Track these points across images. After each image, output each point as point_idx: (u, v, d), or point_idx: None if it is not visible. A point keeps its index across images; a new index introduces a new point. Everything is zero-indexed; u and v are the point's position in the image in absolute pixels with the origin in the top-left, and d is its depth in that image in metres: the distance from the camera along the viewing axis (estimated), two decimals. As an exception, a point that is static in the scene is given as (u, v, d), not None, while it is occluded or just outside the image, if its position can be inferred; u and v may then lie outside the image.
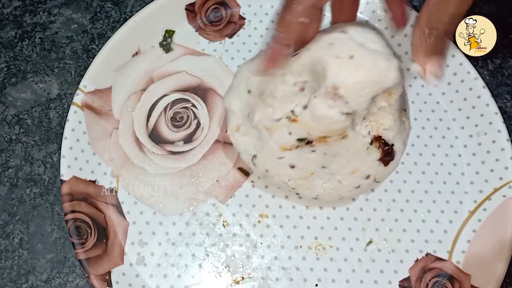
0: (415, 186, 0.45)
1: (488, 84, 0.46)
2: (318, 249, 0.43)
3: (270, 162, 0.39)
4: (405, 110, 0.40)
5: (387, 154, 0.39)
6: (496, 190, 0.43)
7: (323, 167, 0.39)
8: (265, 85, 0.38)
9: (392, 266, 0.42)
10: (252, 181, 0.45)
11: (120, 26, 0.48)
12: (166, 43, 0.49)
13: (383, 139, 0.38)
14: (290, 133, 0.37)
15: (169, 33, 0.50)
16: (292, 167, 0.38)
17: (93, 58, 0.47)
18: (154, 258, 0.42)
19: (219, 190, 0.44)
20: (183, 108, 0.47)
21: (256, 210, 0.44)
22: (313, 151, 0.37)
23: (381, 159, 0.39)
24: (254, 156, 0.40)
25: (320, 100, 0.35)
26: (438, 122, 0.47)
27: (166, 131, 0.47)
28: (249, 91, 0.39)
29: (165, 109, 0.47)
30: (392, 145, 0.39)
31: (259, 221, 0.43)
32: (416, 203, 0.44)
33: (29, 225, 0.44)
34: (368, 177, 0.39)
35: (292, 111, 0.37)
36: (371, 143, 0.38)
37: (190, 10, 0.50)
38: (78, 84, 0.46)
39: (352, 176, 0.39)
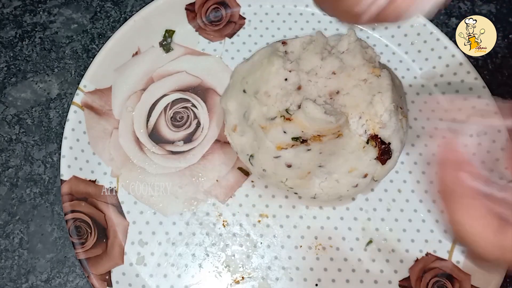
0: (415, 186, 0.45)
1: (488, 84, 0.46)
2: (318, 249, 0.43)
3: (267, 161, 0.39)
4: (401, 108, 0.40)
5: (384, 152, 0.39)
6: (496, 190, 0.43)
7: (320, 166, 0.39)
8: (259, 84, 0.38)
9: (392, 266, 0.42)
10: (252, 181, 0.45)
11: (120, 26, 0.48)
12: (166, 43, 0.49)
13: (380, 138, 0.38)
14: (285, 132, 0.37)
15: (169, 33, 0.50)
16: (289, 166, 0.38)
17: (93, 58, 0.47)
18: (154, 258, 0.42)
19: (219, 190, 0.44)
20: (183, 108, 0.47)
21: (256, 210, 0.44)
22: (308, 150, 0.38)
23: (378, 158, 0.39)
24: (251, 156, 0.40)
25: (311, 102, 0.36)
26: (438, 122, 0.47)
27: (166, 131, 0.47)
28: (244, 91, 0.40)
29: (165, 109, 0.47)
30: (389, 143, 0.39)
31: (259, 221, 0.43)
32: (416, 203, 0.44)
33: (29, 225, 0.43)
34: (365, 176, 0.39)
35: (287, 110, 0.37)
36: (367, 142, 0.38)
37: (190, 10, 0.50)
38: (78, 84, 0.46)
39: (349, 175, 0.39)
